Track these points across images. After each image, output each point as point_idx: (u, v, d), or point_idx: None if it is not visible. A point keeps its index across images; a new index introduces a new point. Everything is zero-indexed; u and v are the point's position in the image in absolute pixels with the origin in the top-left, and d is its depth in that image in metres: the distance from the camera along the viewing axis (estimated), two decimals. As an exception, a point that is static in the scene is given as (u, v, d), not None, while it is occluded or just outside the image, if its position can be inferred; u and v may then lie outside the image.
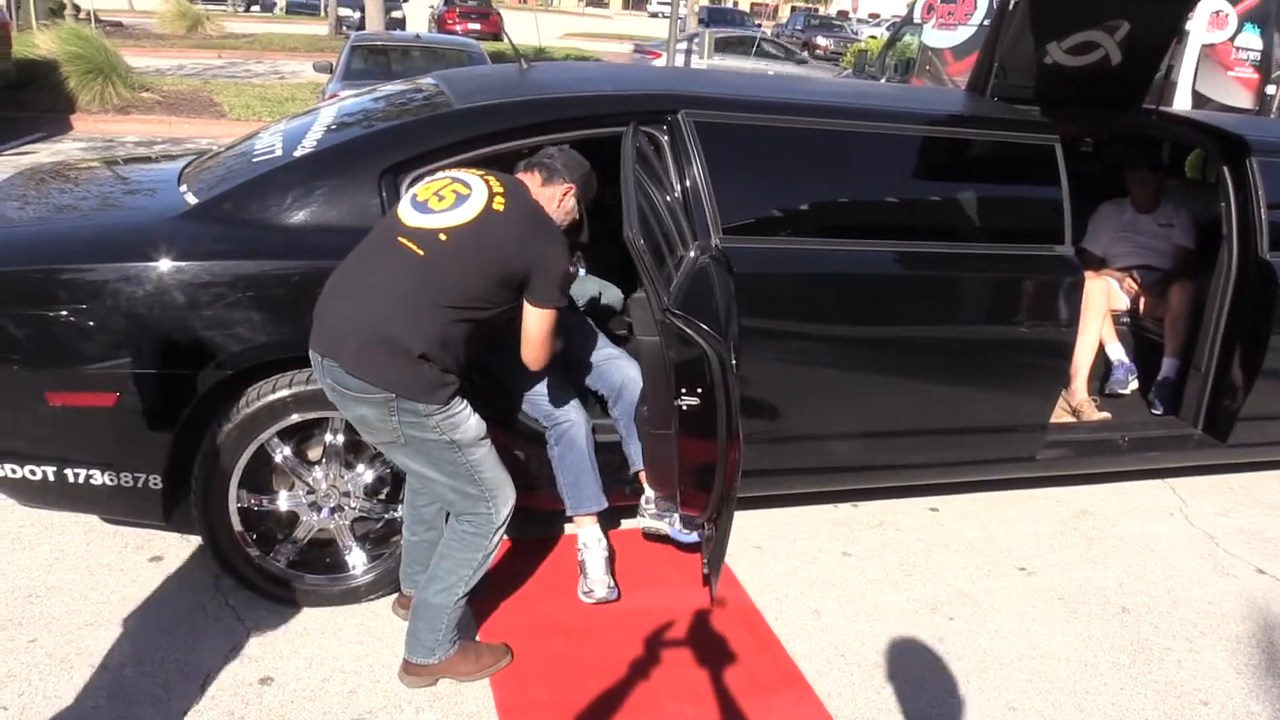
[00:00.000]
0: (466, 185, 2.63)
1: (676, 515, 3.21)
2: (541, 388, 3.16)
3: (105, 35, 13.53)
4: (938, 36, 10.97)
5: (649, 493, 3.29)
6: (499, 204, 2.58)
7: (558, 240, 2.65)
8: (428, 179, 2.74)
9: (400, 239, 2.55)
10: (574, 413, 3.16)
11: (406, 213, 2.61)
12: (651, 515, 3.31)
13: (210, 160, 3.56)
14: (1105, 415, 4.36)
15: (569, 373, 3.27)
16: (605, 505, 3.25)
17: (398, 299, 2.48)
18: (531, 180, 2.81)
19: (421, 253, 2.51)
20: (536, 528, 3.52)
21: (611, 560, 3.30)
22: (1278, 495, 4.51)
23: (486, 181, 2.64)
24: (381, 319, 2.48)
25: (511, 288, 2.59)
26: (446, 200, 2.59)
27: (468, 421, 2.61)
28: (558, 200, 2.84)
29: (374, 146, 3.15)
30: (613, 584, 3.22)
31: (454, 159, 3.12)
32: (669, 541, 3.40)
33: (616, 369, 3.27)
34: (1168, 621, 3.45)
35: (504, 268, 2.54)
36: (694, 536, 3.19)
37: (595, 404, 3.43)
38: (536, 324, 2.65)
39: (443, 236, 2.52)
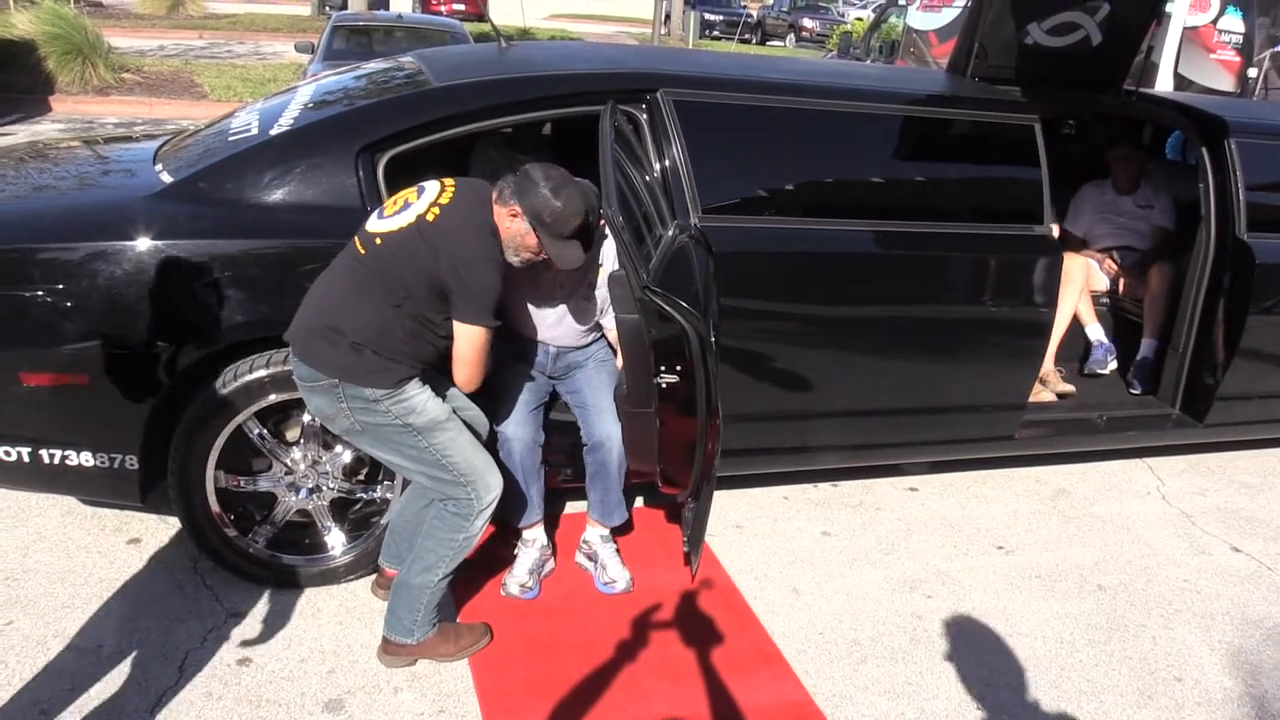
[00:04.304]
0: (419, 192, 2.64)
1: (603, 569, 3.25)
2: (496, 391, 3.09)
3: (85, 15, 13.37)
4: (922, 19, 10.95)
5: (588, 534, 3.32)
6: (433, 214, 2.56)
7: (483, 256, 2.54)
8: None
9: (355, 238, 2.63)
10: (513, 428, 3.07)
11: (372, 216, 2.67)
12: (585, 554, 3.34)
13: (186, 139, 3.52)
14: (1070, 387, 4.40)
15: (537, 388, 3.19)
16: (531, 522, 3.21)
17: (336, 292, 2.58)
18: (493, 193, 2.66)
19: (363, 252, 2.59)
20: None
21: (543, 563, 3.26)
22: (1254, 475, 4.55)
23: (442, 188, 2.63)
24: (322, 309, 2.58)
25: (444, 297, 2.56)
26: (396, 205, 2.63)
27: (424, 406, 2.61)
28: (506, 221, 2.63)
29: (351, 125, 3.13)
30: (529, 584, 3.19)
31: (433, 137, 3.12)
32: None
33: (601, 424, 3.10)
34: (1143, 599, 3.48)
35: (427, 277, 2.53)
36: (614, 589, 3.22)
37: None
38: (461, 343, 2.58)
39: (379, 241, 2.57)
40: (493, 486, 2.73)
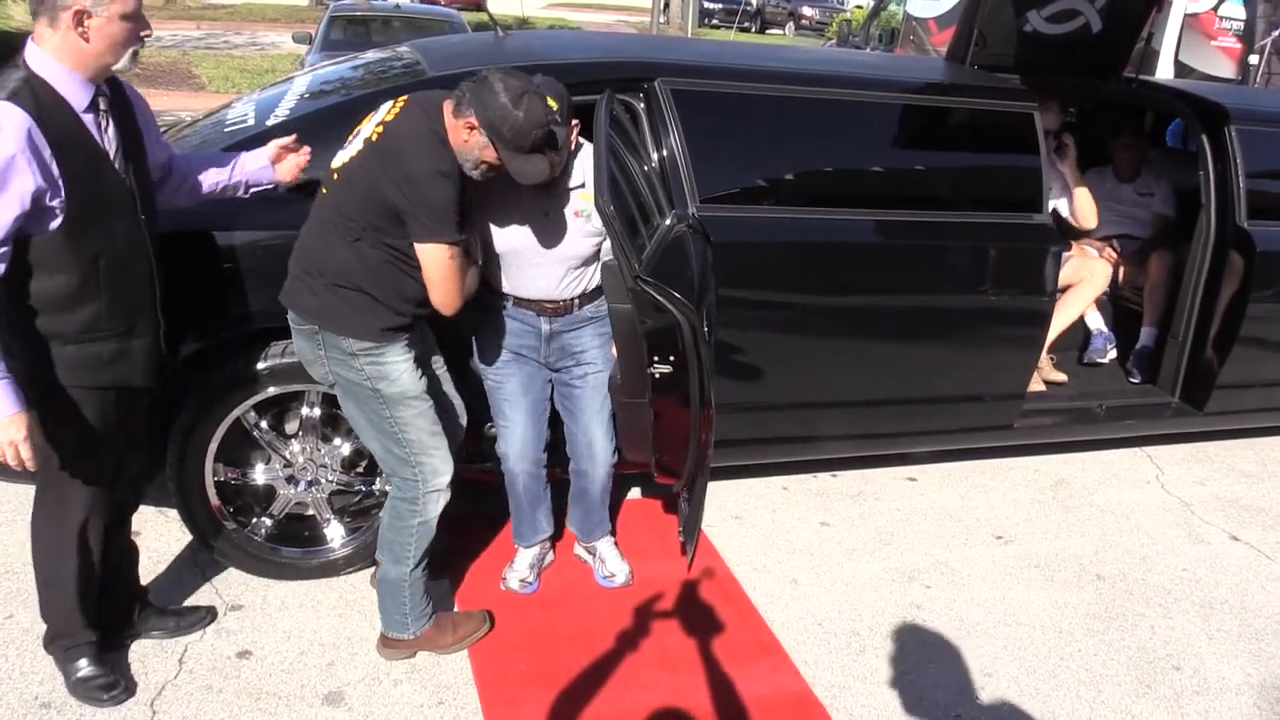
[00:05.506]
0: (371, 118, 2.55)
1: (602, 563, 3.26)
2: (496, 405, 3.05)
3: (81, 6, 13.32)
4: (922, 6, 10.91)
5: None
6: (377, 134, 2.47)
7: (429, 170, 2.38)
8: None
9: (322, 178, 2.61)
10: (514, 459, 3.02)
11: (337, 153, 2.61)
12: (584, 547, 3.33)
13: (183, 130, 3.52)
14: (1062, 376, 4.40)
15: (536, 400, 3.07)
16: (538, 539, 3.19)
17: (309, 233, 2.57)
18: (448, 104, 2.49)
19: (325, 190, 2.56)
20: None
21: (542, 557, 3.25)
22: (1253, 463, 4.54)
23: (392, 104, 2.53)
24: (302, 252, 2.57)
25: (399, 220, 2.44)
26: (352, 135, 2.57)
27: (399, 376, 2.57)
28: (463, 134, 2.46)
29: (347, 115, 3.10)
30: (529, 579, 3.18)
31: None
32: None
33: (589, 454, 3.07)
34: (1142, 588, 3.48)
35: (378, 201, 2.42)
36: (613, 583, 3.22)
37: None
38: (427, 266, 2.45)
39: (336, 176, 2.53)
40: (440, 473, 2.70)
